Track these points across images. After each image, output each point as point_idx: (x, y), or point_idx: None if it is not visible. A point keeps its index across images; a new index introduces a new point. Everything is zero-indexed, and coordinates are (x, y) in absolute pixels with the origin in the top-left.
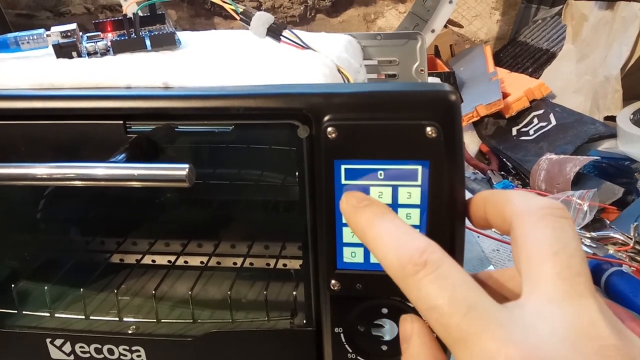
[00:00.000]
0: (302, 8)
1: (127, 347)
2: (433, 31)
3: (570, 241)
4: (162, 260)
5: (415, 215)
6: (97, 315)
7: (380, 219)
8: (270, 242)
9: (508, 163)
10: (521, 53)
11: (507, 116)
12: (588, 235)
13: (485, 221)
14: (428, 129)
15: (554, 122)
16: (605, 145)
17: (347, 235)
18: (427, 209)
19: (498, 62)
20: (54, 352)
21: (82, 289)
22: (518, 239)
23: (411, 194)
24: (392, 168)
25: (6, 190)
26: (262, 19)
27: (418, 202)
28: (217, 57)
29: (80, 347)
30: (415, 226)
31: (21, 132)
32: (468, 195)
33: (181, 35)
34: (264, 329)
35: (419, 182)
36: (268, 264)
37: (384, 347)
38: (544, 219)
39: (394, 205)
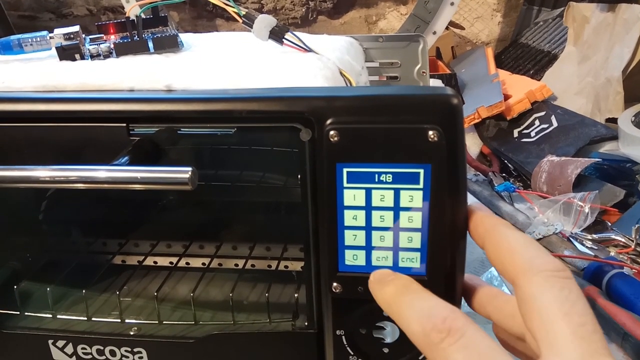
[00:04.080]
0: (303, 10)
1: (129, 349)
2: (434, 33)
3: (577, 300)
4: (164, 261)
5: (417, 219)
6: (99, 317)
7: (403, 291)
8: (271, 244)
9: (509, 165)
10: (522, 55)
11: (508, 118)
12: (589, 237)
13: (482, 248)
14: (430, 132)
15: (555, 124)
16: (606, 147)
17: (349, 238)
18: (429, 213)
19: (499, 63)
20: (56, 353)
21: (84, 290)
22: (526, 299)
23: (413, 197)
24: (394, 171)
25: (9, 192)
26: (265, 22)
27: (420, 205)
28: (220, 60)
29: (82, 348)
30: (417, 229)
31: (24, 134)
32: (470, 197)
33: (184, 37)
34: (266, 331)
35: (420, 186)
36: (270, 266)
37: (385, 350)
38: (549, 280)
39: (396, 209)
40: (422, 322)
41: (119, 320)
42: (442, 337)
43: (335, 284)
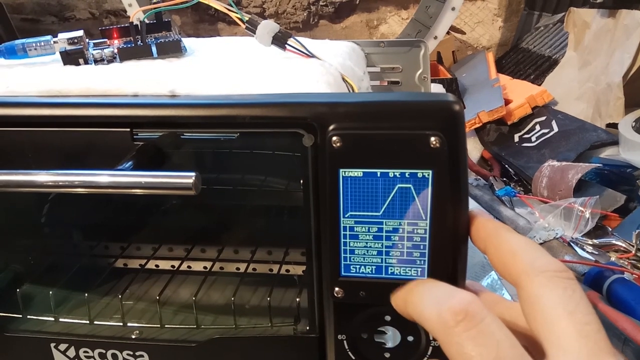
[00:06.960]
0: (305, 14)
1: (131, 352)
2: (435, 38)
3: (580, 300)
4: (165, 265)
5: (419, 224)
6: (101, 320)
7: (417, 284)
8: (273, 248)
9: (510, 169)
10: (523, 60)
11: (509, 123)
12: (590, 242)
13: (484, 252)
14: (432, 138)
15: (556, 129)
16: (607, 153)
17: (351, 243)
18: (431, 218)
19: (500, 68)
20: (58, 356)
21: (86, 294)
22: (529, 299)
23: (415, 203)
24: (395, 177)
25: (11, 195)
26: (268, 27)
27: (422, 211)
28: (223, 65)
29: (85, 351)
30: (419, 235)
31: (28, 139)
32: (470, 202)
33: (187, 42)
34: (267, 335)
35: (422, 191)
36: (271, 270)
37: (387, 355)
38: (552, 280)
39: (398, 214)
40: (437, 306)
41: (121, 324)
42: (458, 320)
43: (337, 289)
